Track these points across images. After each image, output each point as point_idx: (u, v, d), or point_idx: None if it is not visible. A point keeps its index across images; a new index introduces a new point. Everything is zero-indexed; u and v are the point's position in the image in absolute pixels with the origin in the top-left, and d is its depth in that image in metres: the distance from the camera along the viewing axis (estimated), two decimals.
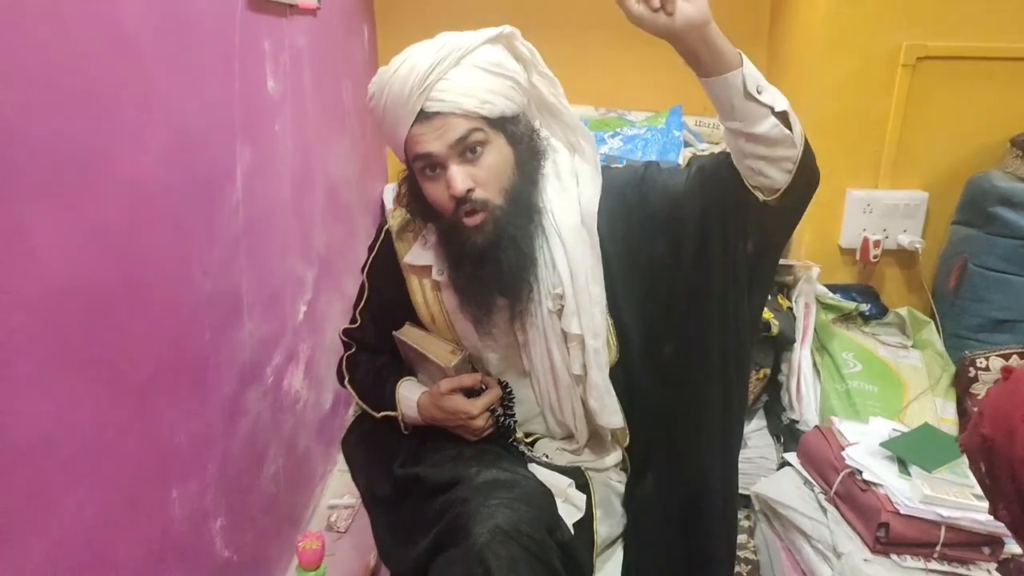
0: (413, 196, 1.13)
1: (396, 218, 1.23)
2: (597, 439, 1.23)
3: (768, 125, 0.92)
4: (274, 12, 1.45)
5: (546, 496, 1.07)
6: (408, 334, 1.23)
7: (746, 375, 1.19)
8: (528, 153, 1.09)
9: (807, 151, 0.97)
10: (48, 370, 0.80)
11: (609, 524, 1.20)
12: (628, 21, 0.89)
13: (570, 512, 1.13)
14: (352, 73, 2.10)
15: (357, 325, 1.31)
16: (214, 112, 1.20)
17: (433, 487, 1.08)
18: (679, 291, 1.11)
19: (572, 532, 1.09)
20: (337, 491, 1.93)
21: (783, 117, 0.93)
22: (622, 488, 1.23)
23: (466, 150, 1.03)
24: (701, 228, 1.07)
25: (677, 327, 1.12)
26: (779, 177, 0.96)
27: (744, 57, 0.92)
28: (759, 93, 0.91)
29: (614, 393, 1.14)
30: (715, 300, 1.09)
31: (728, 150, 1.01)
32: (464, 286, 1.12)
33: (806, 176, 0.98)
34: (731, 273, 1.07)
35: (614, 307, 1.13)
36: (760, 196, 0.98)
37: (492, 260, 1.06)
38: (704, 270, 1.08)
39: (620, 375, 1.15)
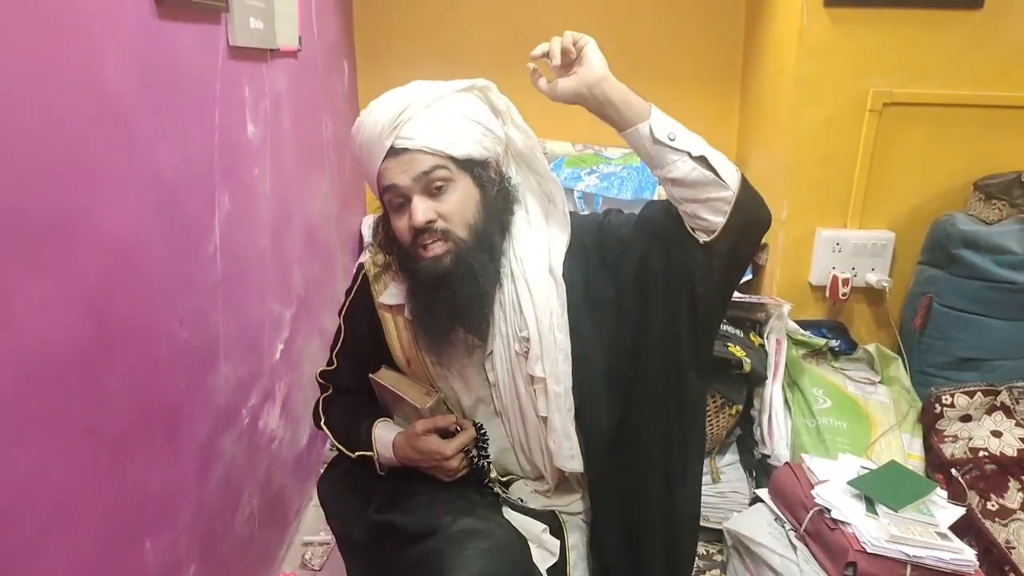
0: (384, 230, 1.18)
1: (373, 260, 1.26)
2: (565, 481, 1.24)
3: (686, 169, 0.99)
4: (255, 58, 1.46)
5: (521, 544, 1.09)
6: (384, 376, 1.25)
7: (696, 441, 1.19)
8: (496, 198, 1.13)
9: (745, 192, 1.02)
10: (24, 431, 0.80)
11: (582, 569, 1.21)
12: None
13: (544, 558, 1.14)
14: (332, 110, 2.11)
15: (334, 367, 1.32)
16: (194, 163, 1.21)
17: (408, 535, 1.09)
18: (627, 337, 1.13)
19: None
20: (312, 527, 1.92)
21: (703, 161, 0.99)
22: None
23: (431, 185, 1.06)
24: (643, 271, 1.10)
25: (628, 374, 1.14)
26: (713, 218, 1.02)
27: (654, 108, 1.01)
28: (672, 140, 0.99)
29: (575, 438, 1.16)
30: (658, 349, 1.11)
31: None
32: (419, 314, 1.16)
33: (744, 217, 1.02)
34: (673, 320, 1.09)
35: (578, 353, 1.15)
36: (701, 237, 1.03)
37: (446, 288, 1.09)
38: (646, 315, 1.11)
39: (585, 419, 1.16)
